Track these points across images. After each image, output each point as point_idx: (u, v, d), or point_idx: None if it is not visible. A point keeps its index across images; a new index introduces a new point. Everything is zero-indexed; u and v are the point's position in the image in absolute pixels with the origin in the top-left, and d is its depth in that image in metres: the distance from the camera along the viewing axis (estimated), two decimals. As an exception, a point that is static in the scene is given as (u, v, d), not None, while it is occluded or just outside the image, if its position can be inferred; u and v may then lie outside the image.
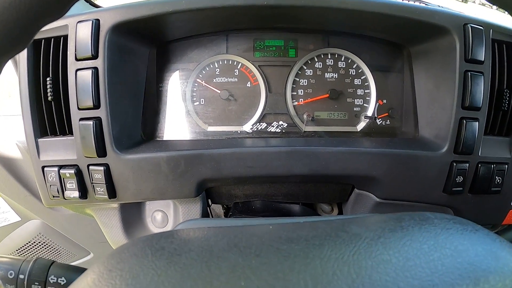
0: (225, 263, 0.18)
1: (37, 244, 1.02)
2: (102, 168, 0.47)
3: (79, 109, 0.47)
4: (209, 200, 0.57)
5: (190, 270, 0.18)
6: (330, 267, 0.18)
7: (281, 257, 0.19)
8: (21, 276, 0.33)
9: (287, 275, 0.17)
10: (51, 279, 0.32)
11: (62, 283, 0.32)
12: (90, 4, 0.75)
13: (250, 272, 0.17)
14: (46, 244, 1.00)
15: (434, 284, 0.17)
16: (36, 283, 0.32)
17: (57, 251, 1.02)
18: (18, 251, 1.04)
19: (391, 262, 0.19)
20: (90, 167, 0.48)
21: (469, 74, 0.50)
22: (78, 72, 0.46)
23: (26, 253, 1.05)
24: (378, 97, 0.59)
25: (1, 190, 0.89)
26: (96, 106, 0.46)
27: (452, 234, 0.22)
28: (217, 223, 0.33)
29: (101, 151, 0.47)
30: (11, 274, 0.33)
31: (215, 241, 0.21)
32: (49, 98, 0.48)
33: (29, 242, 1.02)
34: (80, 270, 0.33)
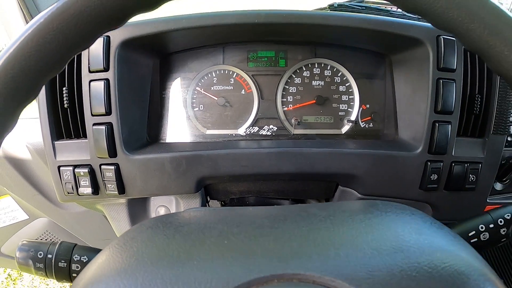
0: (214, 230, 0.26)
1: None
2: (113, 167, 0.55)
3: (92, 115, 0.54)
4: (208, 197, 0.65)
5: (191, 235, 0.25)
6: (288, 232, 0.26)
7: (254, 227, 0.26)
8: (49, 256, 0.40)
9: (257, 238, 0.25)
10: (75, 257, 0.40)
11: (85, 260, 0.40)
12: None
13: (232, 235, 0.25)
14: (53, 241, 1.08)
15: (362, 249, 0.24)
16: (62, 261, 0.40)
17: (63, 247, 1.09)
18: (25, 248, 1.11)
19: (332, 230, 0.26)
20: (102, 167, 0.55)
21: (441, 81, 0.57)
22: (92, 83, 0.54)
23: (33, 250, 1.12)
24: (362, 102, 0.66)
25: (10, 189, 0.96)
26: (108, 112, 0.54)
27: (389, 215, 0.29)
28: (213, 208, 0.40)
29: (112, 152, 0.54)
30: (40, 254, 0.41)
31: (209, 217, 0.28)
32: (65, 105, 0.56)
33: (36, 239, 1.09)
34: (99, 251, 0.41)
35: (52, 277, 0.41)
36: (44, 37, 0.24)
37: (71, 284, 0.40)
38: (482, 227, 0.43)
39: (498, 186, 0.70)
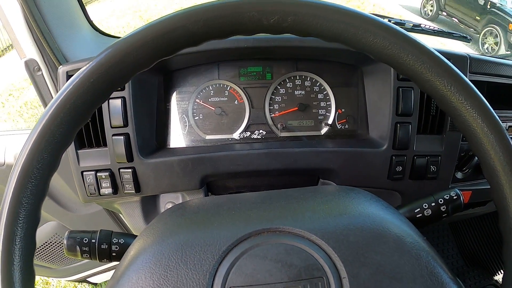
0: (225, 206, 0.42)
1: (53, 243, 1.23)
2: (130, 170, 0.70)
3: (111, 127, 0.69)
4: (209, 193, 0.80)
5: (210, 210, 0.41)
6: (272, 205, 0.41)
7: (251, 203, 0.42)
8: (93, 241, 0.55)
9: (253, 209, 0.40)
10: (114, 240, 0.55)
11: (122, 242, 0.54)
12: (101, 33, 0.98)
13: (237, 208, 0.41)
14: (62, 243, 1.22)
15: (318, 213, 0.39)
16: (104, 243, 0.54)
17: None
18: (36, 251, 1.25)
19: (301, 203, 0.42)
20: (121, 170, 0.70)
21: (401, 89, 0.73)
22: (110, 100, 0.68)
23: (43, 252, 1.26)
24: (338, 108, 0.83)
25: (22, 196, 1.10)
26: (125, 125, 0.68)
27: (340, 193, 0.45)
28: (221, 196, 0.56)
29: (129, 158, 0.69)
30: (85, 240, 0.55)
31: (219, 200, 0.44)
32: (87, 119, 0.71)
33: (46, 242, 1.23)
34: (133, 236, 0.55)
35: (95, 258, 0.55)
36: (97, 74, 0.36)
37: (109, 261, 0.55)
38: (425, 205, 0.59)
39: (459, 175, 0.87)
